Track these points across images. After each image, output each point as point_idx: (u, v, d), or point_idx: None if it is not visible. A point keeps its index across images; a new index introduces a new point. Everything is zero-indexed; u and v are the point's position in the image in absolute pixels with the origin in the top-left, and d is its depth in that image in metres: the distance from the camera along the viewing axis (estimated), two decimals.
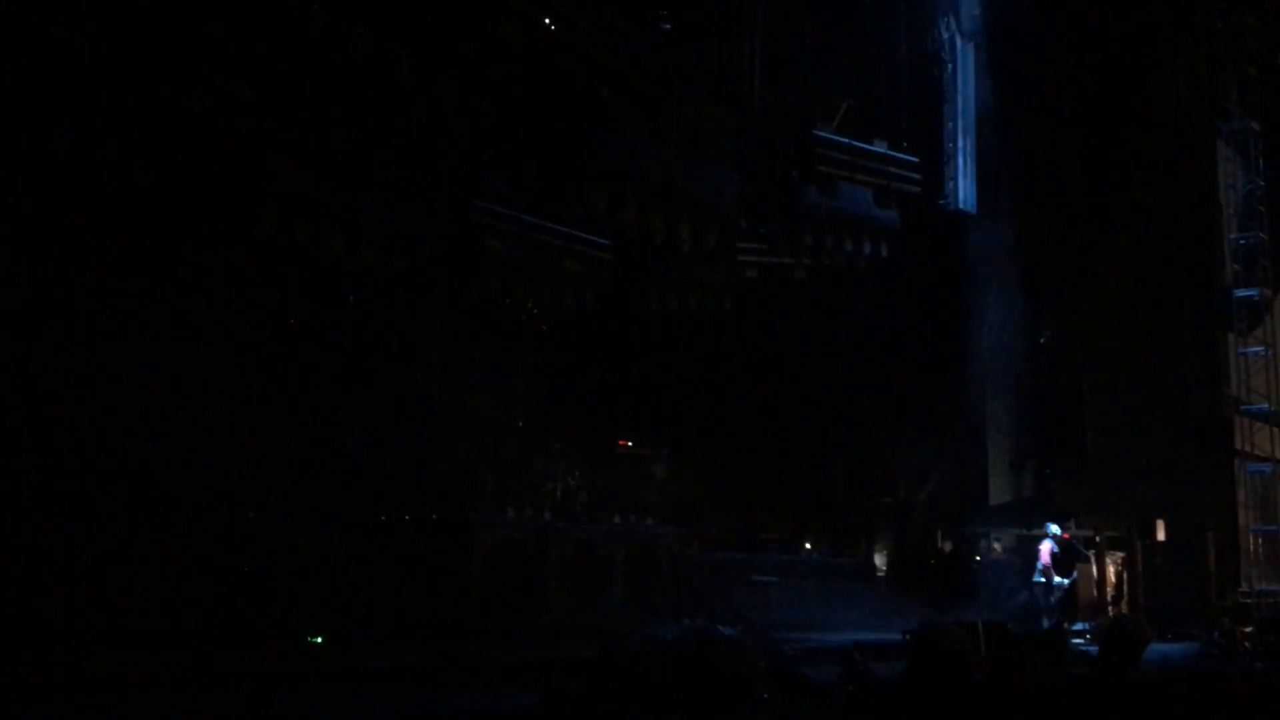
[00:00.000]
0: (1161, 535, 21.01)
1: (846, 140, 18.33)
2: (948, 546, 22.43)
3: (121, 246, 14.01)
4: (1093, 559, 19.18)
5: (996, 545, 22.30)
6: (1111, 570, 21.11)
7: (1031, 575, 17.25)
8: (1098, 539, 20.67)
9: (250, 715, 6.33)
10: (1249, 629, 15.04)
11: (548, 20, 15.45)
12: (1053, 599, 16.69)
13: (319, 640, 11.78)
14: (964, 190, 21.63)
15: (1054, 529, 17.00)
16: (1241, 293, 24.03)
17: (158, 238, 14.19)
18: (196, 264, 14.80)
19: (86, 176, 13.03)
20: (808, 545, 20.60)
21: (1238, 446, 23.53)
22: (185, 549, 12.54)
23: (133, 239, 14.01)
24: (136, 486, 13.20)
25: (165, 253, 14.43)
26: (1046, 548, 16.74)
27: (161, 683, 8.93)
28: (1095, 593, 19.47)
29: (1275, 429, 24.37)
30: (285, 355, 15.87)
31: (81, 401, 13.42)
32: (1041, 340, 23.60)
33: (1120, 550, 21.45)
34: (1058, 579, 16.58)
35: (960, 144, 21.82)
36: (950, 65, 21.98)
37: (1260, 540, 23.80)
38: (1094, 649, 13.01)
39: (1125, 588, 21.41)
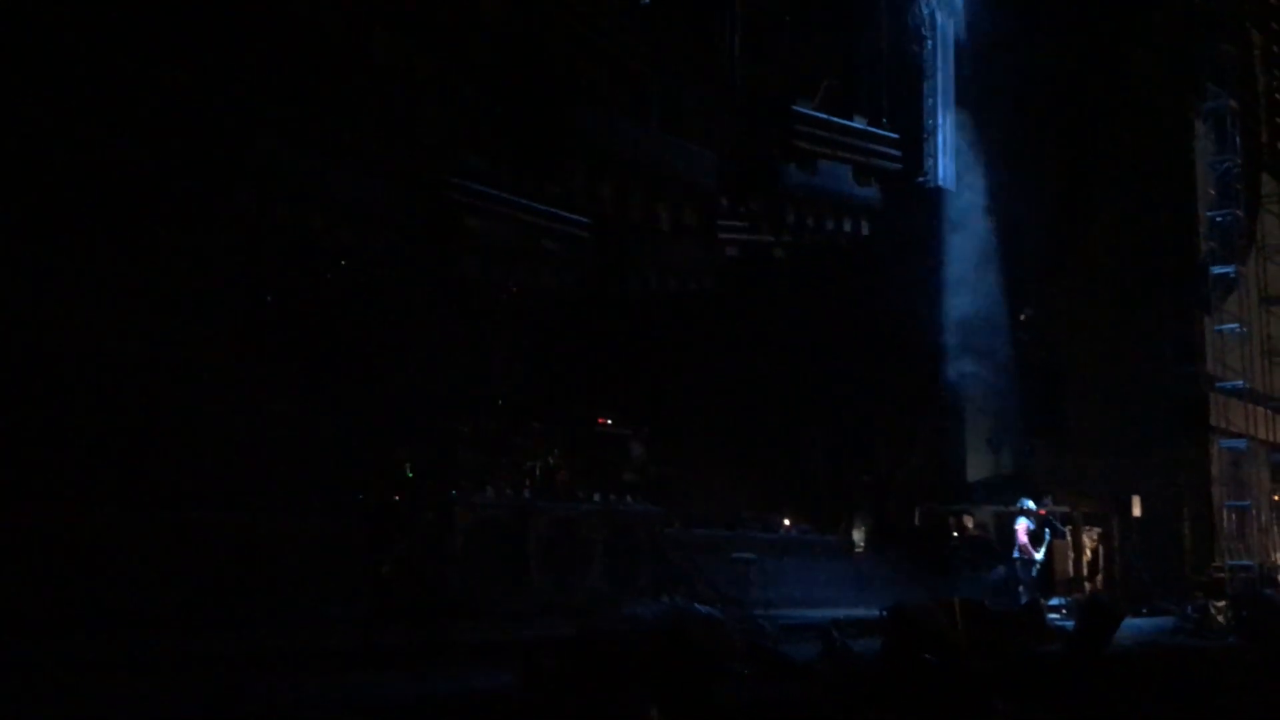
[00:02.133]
0: (1137, 511, 21.21)
1: (826, 117, 18.29)
2: (920, 523, 22.57)
3: (96, 223, 13.88)
4: (1068, 535, 19.32)
5: (968, 520, 22.46)
6: (1088, 546, 21.29)
7: (1009, 551, 17.37)
8: (1074, 515, 20.83)
9: (226, 697, 6.32)
10: (1222, 603, 15.19)
11: None
12: (1032, 574, 16.83)
13: None
14: (943, 167, 21.65)
15: (1029, 505, 17.12)
16: (1218, 270, 24.22)
17: (133, 214, 14.06)
18: (173, 241, 14.69)
19: (62, 151, 12.89)
20: (787, 523, 20.67)
21: (1213, 423, 23.77)
22: (160, 530, 12.48)
23: (108, 215, 13.88)
24: (111, 467, 13.13)
25: (141, 230, 14.30)
26: (1023, 526, 16.86)
27: (135, 666, 8.90)
28: (1071, 568, 19.64)
29: (1249, 405, 24.62)
30: (262, 334, 15.78)
31: (51, 380, 13.32)
32: (1021, 317, 23.70)
33: (1097, 526, 21.65)
34: (1036, 555, 16.71)
35: (940, 120, 21.82)
36: (930, 41, 21.94)
37: (1233, 515, 24.07)
38: (1070, 624, 13.15)
39: (1101, 563, 21.61)
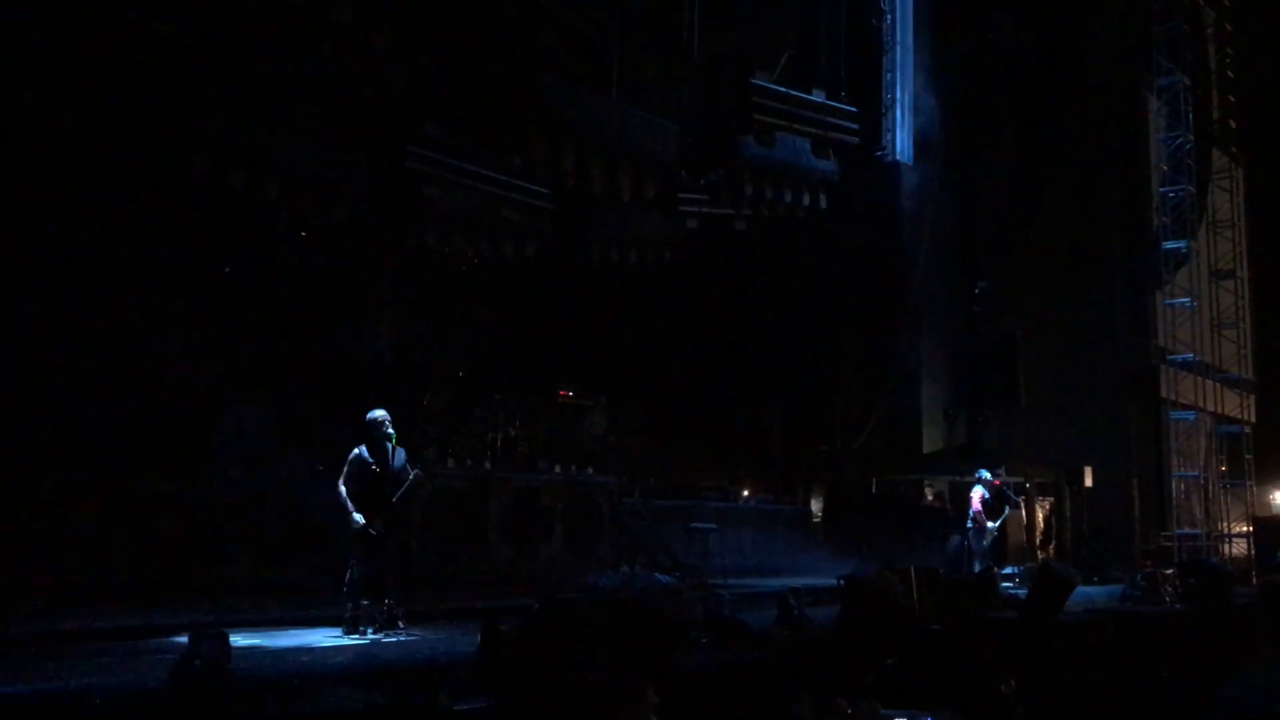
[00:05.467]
0: (1089, 481, 21.55)
1: (785, 89, 18.31)
2: (877, 493, 22.81)
3: (49, 192, 13.67)
4: (1022, 505, 19.61)
5: (928, 491, 22.75)
6: (1040, 515, 21.62)
7: (963, 521, 17.60)
8: (1028, 485, 21.13)
9: (189, 664, 6.34)
10: (1170, 571, 15.50)
11: None
12: (984, 543, 17.03)
13: None
14: (901, 141, 21.81)
15: (985, 475, 17.32)
16: (1169, 245, 24.59)
17: (88, 185, 13.86)
18: (129, 211, 14.51)
19: (16, 123, 12.66)
20: (745, 493, 20.84)
21: (1163, 395, 24.18)
22: (117, 499, 12.37)
23: (61, 184, 13.68)
24: (67, 435, 13.01)
25: (97, 200, 14.11)
26: (978, 494, 17.06)
27: (94, 636, 8.88)
28: (1024, 537, 19.94)
29: (1199, 378, 25.06)
30: (220, 305, 15.65)
31: (5, 348, 13.16)
32: (977, 290, 23.94)
33: (1049, 496, 21.97)
34: (989, 524, 16.92)
35: (898, 95, 21.96)
36: (889, 16, 22.05)
37: (1182, 486, 24.53)
38: (1023, 592, 13.38)
39: (1053, 533, 21.95)
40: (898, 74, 21.90)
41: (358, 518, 9.53)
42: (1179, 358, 24.46)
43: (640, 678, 2.28)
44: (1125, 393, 24.01)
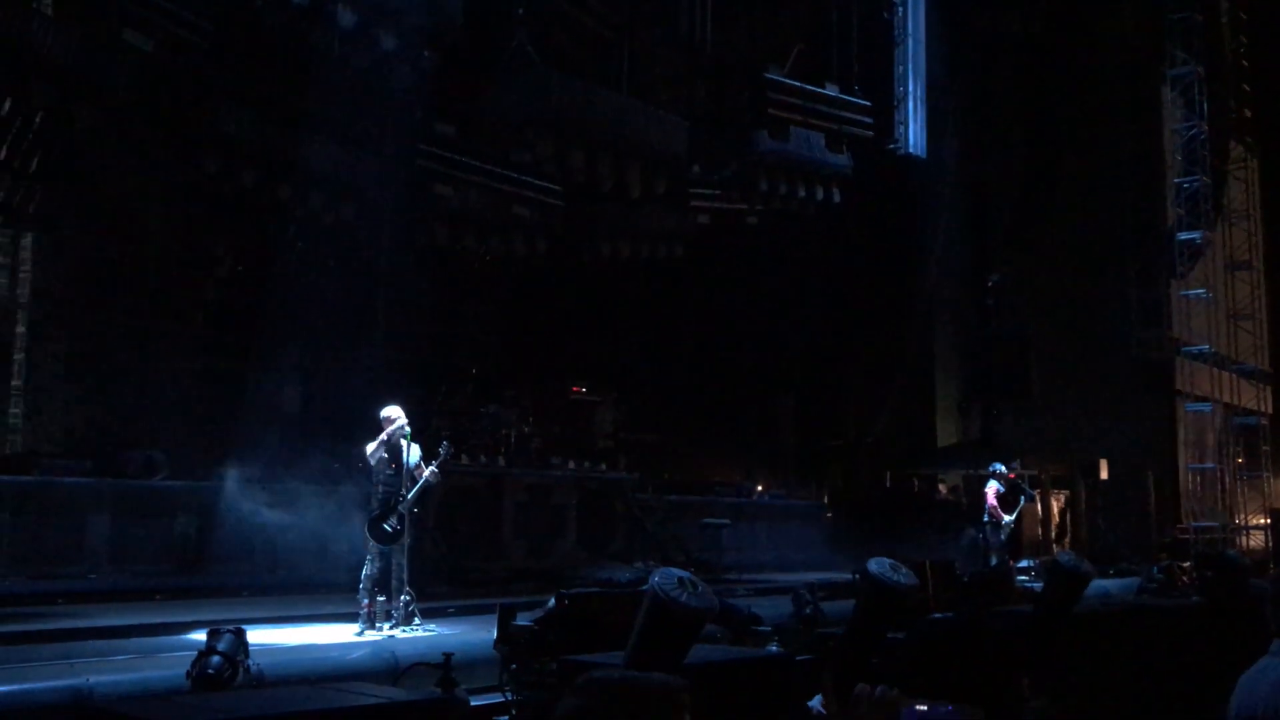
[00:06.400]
0: (1105, 474, 21.47)
1: (798, 84, 18.27)
2: (890, 486, 22.78)
3: (61, 190, 13.74)
4: (1037, 498, 19.55)
5: (942, 486, 22.70)
6: (1055, 508, 21.56)
7: (979, 515, 17.56)
8: (1042, 478, 21.08)
9: (207, 661, 6.38)
10: (1186, 564, 15.42)
11: None
12: (1001, 537, 16.99)
13: None
14: (914, 134, 21.70)
15: (1000, 468, 17.27)
16: (1184, 236, 24.48)
17: (102, 184, 13.92)
18: (143, 211, 14.57)
19: (26, 115, 12.73)
20: (759, 488, 20.81)
21: (1178, 387, 24.08)
22: (121, 511, 12.41)
23: (76, 185, 13.74)
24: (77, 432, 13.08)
25: (110, 198, 14.17)
26: (993, 488, 17.01)
27: (119, 633, 8.94)
28: (1039, 531, 19.89)
29: (1214, 369, 24.94)
30: (230, 303, 15.70)
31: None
32: (989, 283, 23.87)
33: (1064, 489, 21.91)
34: (1005, 517, 16.87)
35: (911, 88, 21.85)
36: (901, 9, 21.94)
37: (1198, 478, 24.42)
38: (1038, 585, 13.34)
39: (1069, 525, 21.90)
40: (910, 67, 21.80)
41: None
42: (1194, 349, 24.35)
43: (677, 676, 2.26)
44: (1140, 385, 23.92)
